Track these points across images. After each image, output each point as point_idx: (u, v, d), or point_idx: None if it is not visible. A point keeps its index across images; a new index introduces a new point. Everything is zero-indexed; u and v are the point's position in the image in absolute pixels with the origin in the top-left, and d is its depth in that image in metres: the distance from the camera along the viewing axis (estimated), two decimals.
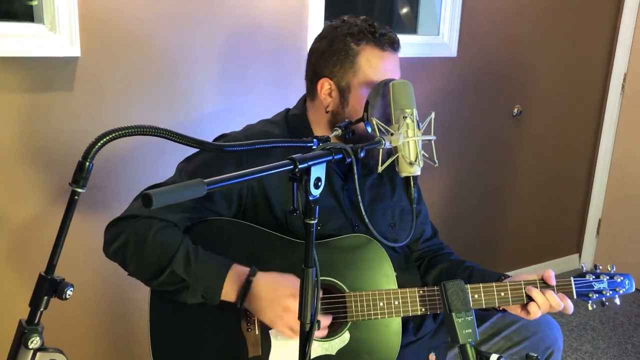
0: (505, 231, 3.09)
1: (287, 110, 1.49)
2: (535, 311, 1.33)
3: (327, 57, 1.35)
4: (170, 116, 1.89)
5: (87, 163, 0.79)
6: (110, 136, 0.79)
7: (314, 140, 1.08)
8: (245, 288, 1.20)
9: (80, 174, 0.79)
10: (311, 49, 1.40)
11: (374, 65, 1.33)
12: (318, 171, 0.93)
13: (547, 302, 1.33)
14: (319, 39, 1.39)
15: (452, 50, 2.55)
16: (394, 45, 1.36)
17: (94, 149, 0.79)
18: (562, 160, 3.20)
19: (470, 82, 2.67)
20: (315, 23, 2.09)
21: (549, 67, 2.93)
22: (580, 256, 3.46)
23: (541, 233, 3.25)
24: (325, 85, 1.36)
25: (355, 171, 1.02)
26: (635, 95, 3.12)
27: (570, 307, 1.35)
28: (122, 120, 1.80)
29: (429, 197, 2.76)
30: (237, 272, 1.23)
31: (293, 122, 1.43)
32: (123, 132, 0.80)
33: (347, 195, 1.41)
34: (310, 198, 0.93)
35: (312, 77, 1.39)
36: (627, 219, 3.24)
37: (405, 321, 1.44)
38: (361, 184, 1.44)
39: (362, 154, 1.01)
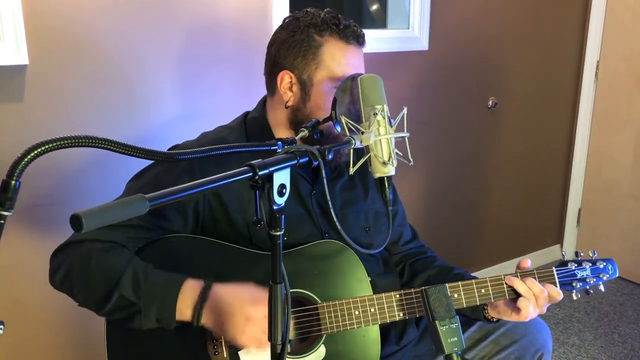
0: (484, 225, 3.03)
1: (247, 113, 1.39)
2: (525, 306, 1.25)
3: (287, 48, 1.26)
4: (129, 124, 1.79)
5: (13, 182, 0.68)
6: (39, 150, 0.69)
7: (279, 142, 0.99)
8: (201, 303, 1.10)
9: (5, 195, 0.68)
10: (271, 40, 1.32)
11: (338, 58, 1.24)
12: (282, 177, 0.84)
13: (530, 291, 1.25)
14: (280, 29, 1.30)
15: (423, 44, 2.48)
16: (359, 39, 1.27)
17: (20, 166, 0.68)
18: (540, 151, 3.16)
19: (444, 76, 2.61)
20: (280, 20, 1.99)
21: (522, 57, 2.88)
22: (561, 247, 3.43)
23: (521, 225, 3.21)
24: (285, 79, 1.27)
25: (324, 175, 0.93)
26: (609, 82, 3.09)
27: (556, 292, 1.27)
28: (77, 130, 1.69)
29: (404, 194, 2.69)
30: (191, 287, 1.12)
31: (252, 126, 1.34)
32: (53, 144, 0.70)
33: (316, 200, 1.33)
34: (275, 207, 0.84)
35: (272, 69, 1.30)
36: (607, 207, 3.21)
37: (387, 330, 1.36)
38: (331, 187, 1.36)
39: (330, 156, 0.92)
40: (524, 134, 3.04)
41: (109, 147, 0.74)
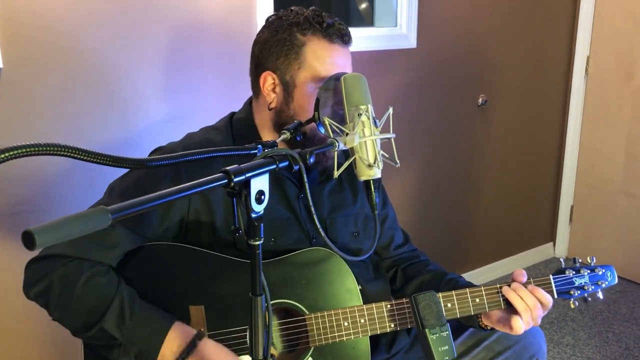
0: (476, 224, 3.00)
1: (232, 114, 1.34)
2: (519, 326, 1.20)
3: (270, 48, 1.21)
4: (109, 127, 1.73)
5: None
6: None
7: (259, 146, 0.94)
8: (187, 352, 1.04)
9: None
10: (255, 40, 1.27)
11: (321, 57, 1.19)
12: (260, 183, 0.80)
13: (523, 303, 1.22)
14: (263, 29, 1.26)
15: (411, 41, 2.44)
16: (344, 38, 1.22)
17: None
18: (531, 148, 3.13)
19: (432, 73, 2.57)
20: (264, 20, 1.95)
21: (512, 53, 2.85)
22: (554, 244, 3.39)
23: (513, 224, 3.18)
24: (268, 79, 1.22)
25: (306, 180, 0.88)
26: (600, 77, 3.06)
27: (545, 299, 1.22)
28: (54, 135, 1.63)
29: (394, 194, 2.64)
30: (179, 334, 1.07)
31: (238, 127, 1.29)
32: (10, 153, 0.64)
33: (303, 204, 1.28)
34: (253, 215, 0.80)
35: (255, 70, 1.25)
36: (599, 204, 3.18)
37: (377, 338, 1.31)
38: (319, 191, 1.31)
39: (311, 160, 0.88)
40: (515, 132, 3.01)
41: (71, 154, 0.69)
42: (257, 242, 0.81)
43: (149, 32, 1.74)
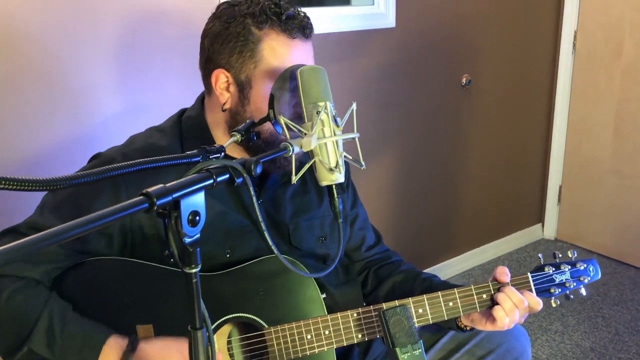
0: (462, 207, 2.91)
1: (183, 111, 1.22)
2: (502, 316, 1.13)
3: (221, 43, 1.07)
4: (58, 122, 1.61)
5: None
6: None
7: (202, 152, 0.83)
8: None
9: None
10: (204, 31, 1.12)
11: (280, 55, 1.06)
12: (194, 202, 0.69)
13: (509, 300, 1.13)
14: (213, 18, 1.11)
15: (389, 20, 2.31)
16: (305, 31, 1.08)
17: None
18: (518, 128, 3.02)
19: (413, 54, 2.44)
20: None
21: (496, 29, 2.72)
22: (543, 226, 3.32)
23: (501, 206, 3.09)
24: (220, 78, 1.09)
25: (252, 193, 0.77)
26: (588, 52, 2.95)
27: (535, 302, 1.16)
28: None
29: (376, 179, 2.55)
30: (113, 347, 0.98)
31: (188, 128, 1.16)
32: None
33: (264, 209, 1.17)
34: (187, 241, 0.69)
35: (206, 65, 1.12)
36: (588, 183, 3.10)
37: (349, 347, 1.22)
38: (280, 194, 1.20)
39: (258, 170, 0.77)
40: (501, 111, 2.90)
41: None
42: (193, 270, 0.71)
43: (101, 18, 1.61)
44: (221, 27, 1.08)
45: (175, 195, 0.65)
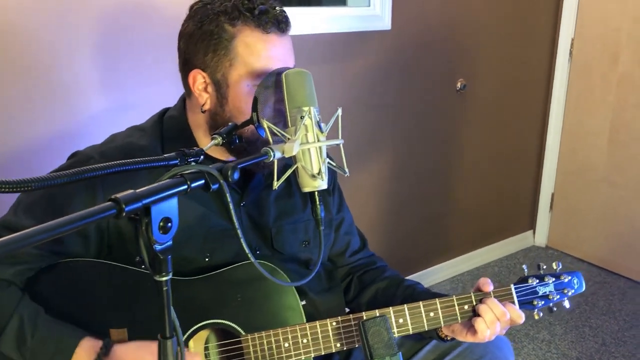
0: (454, 212, 2.89)
1: (165, 110, 1.20)
2: (483, 329, 1.12)
3: (196, 43, 1.05)
4: (45, 117, 1.58)
5: None
6: None
7: (180, 155, 0.81)
8: None
9: None
10: (179, 32, 1.11)
11: (256, 51, 1.04)
12: (166, 209, 0.67)
13: (490, 312, 1.12)
14: (187, 19, 1.09)
15: (385, 23, 2.29)
16: (281, 25, 1.05)
17: None
18: (512, 134, 3.01)
19: (408, 57, 2.43)
20: None
21: (493, 35, 2.71)
22: (534, 233, 3.31)
23: (492, 211, 3.08)
24: (198, 79, 1.07)
25: (230, 200, 0.75)
26: (585, 61, 2.94)
27: (517, 315, 1.14)
28: None
29: (370, 183, 2.53)
30: (86, 349, 0.96)
31: (169, 128, 1.14)
32: None
33: (246, 212, 1.15)
34: (157, 248, 0.67)
35: (184, 67, 1.10)
36: (580, 192, 3.09)
37: (328, 355, 1.20)
38: (264, 196, 1.18)
39: (236, 176, 0.75)
40: (495, 117, 2.89)
41: None
42: (164, 278, 0.69)
43: (89, 12, 1.59)
44: (195, 27, 1.06)
45: (145, 201, 0.63)
